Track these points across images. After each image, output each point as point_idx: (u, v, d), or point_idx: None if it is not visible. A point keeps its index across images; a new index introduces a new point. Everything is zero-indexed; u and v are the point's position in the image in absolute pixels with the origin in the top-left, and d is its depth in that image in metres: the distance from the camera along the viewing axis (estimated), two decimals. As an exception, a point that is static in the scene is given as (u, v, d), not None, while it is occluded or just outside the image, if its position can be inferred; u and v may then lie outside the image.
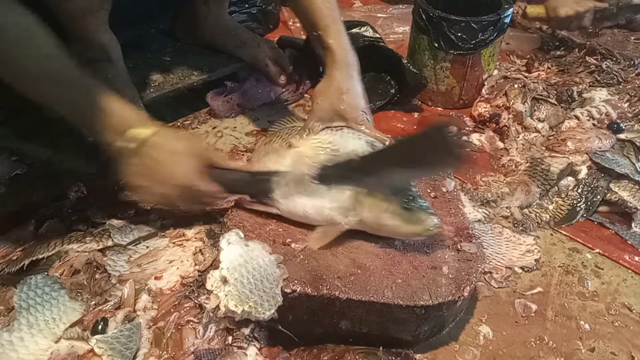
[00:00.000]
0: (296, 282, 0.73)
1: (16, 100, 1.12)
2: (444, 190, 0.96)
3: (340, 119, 0.94)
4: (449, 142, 0.71)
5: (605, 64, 1.43)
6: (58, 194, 1.00)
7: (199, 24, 1.29)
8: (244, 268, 0.70)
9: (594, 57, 1.48)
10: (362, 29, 1.46)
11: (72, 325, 0.68)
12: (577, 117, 1.23)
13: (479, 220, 1.03)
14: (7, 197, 1.01)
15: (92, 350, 0.65)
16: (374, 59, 1.38)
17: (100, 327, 0.67)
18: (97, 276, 0.76)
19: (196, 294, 0.73)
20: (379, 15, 1.80)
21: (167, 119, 1.26)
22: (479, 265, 0.80)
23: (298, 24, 1.72)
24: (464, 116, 1.37)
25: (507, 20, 1.30)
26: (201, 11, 1.28)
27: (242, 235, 0.75)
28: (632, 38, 1.62)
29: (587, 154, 1.12)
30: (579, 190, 1.07)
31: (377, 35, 1.44)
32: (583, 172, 1.10)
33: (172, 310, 0.70)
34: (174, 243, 0.83)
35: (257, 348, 0.69)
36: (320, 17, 0.98)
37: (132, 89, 1.12)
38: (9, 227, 0.93)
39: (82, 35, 1.04)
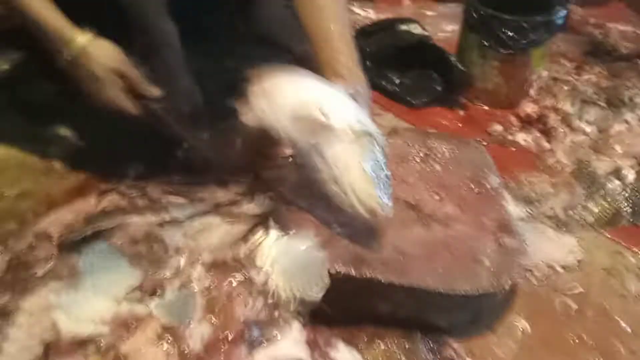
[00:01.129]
0: (340, 263, 0.76)
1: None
2: (488, 186, 0.97)
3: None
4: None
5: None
6: (117, 172, 1.06)
7: (253, 15, 1.33)
8: (286, 257, 0.74)
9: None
10: (411, 26, 1.48)
11: (132, 290, 0.74)
12: (626, 122, 1.22)
13: (522, 219, 1.03)
14: (68, 173, 1.08)
15: (150, 313, 0.70)
16: (421, 56, 1.40)
17: (158, 293, 0.72)
18: (155, 247, 0.82)
19: (247, 269, 0.77)
20: (427, 12, 1.81)
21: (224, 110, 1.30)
22: (521, 260, 0.82)
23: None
24: (511, 116, 1.37)
25: (560, 21, 1.29)
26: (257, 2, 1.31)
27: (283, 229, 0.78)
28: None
29: (635, 158, 1.11)
30: (626, 194, 1.07)
31: (426, 33, 1.46)
32: (630, 176, 1.09)
33: (224, 281, 0.75)
34: (226, 221, 0.87)
35: (300, 323, 0.73)
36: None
37: (189, 80, 1.16)
38: (71, 201, 0.99)
39: (142, 21, 1.09)
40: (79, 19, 0.89)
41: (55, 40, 0.87)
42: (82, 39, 0.87)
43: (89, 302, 0.71)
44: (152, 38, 1.11)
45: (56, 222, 0.90)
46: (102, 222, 0.87)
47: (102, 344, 0.66)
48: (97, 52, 0.89)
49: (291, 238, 0.77)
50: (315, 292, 0.75)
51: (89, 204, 0.97)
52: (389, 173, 0.79)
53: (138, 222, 0.86)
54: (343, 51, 0.89)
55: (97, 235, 0.87)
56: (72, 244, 0.87)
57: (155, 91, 0.94)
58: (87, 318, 0.69)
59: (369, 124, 0.80)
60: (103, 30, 1.00)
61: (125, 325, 0.68)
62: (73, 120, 1.20)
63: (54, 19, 0.87)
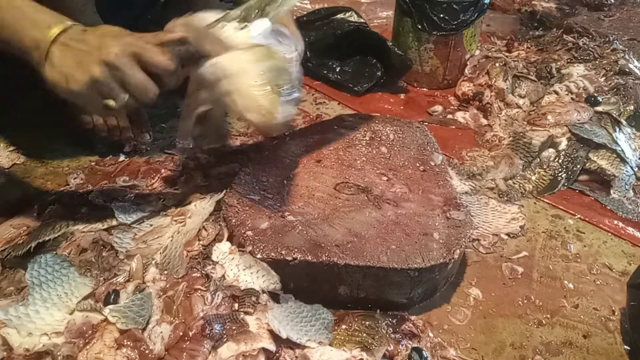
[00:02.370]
0: (296, 250, 0.77)
1: (10, 91, 1.15)
2: (432, 164, 1.00)
3: None
4: None
5: (582, 41, 1.48)
6: (58, 182, 1.03)
7: (189, 10, 1.31)
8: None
9: (571, 35, 1.54)
10: (347, 14, 1.50)
11: (84, 298, 0.72)
12: (556, 92, 1.28)
13: (466, 193, 1.07)
14: (7, 186, 1.04)
15: (105, 320, 0.68)
16: (360, 43, 1.42)
17: (112, 298, 0.70)
18: (104, 254, 0.80)
19: (202, 265, 0.77)
20: (362, 0, 1.84)
21: (159, 107, 1.28)
22: (468, 231, 0.85)
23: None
24: (449, 95, 1.42)
25: (487, 0, 1.35)
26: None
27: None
28: (607, 19, 1.69)
29: (566, 126, 1.17)
30: (560, 161, 1.13)
31: (362, 20, 1.48)
32: (563, 143, 1.15)
33: (180, 280, 0.74)
34: (175, 221, 0.86)
35: (262, 313, 0.73)
36: None
37: None
38: (11, 215, 0.95)
39: (67, 16, 1.05)
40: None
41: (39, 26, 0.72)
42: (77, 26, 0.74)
43: (40, 316, 0.69)
44: None
45: (-3, 238, 0.86)
46: (46, 233, 0.84)
47: (58, 355, 0.64)
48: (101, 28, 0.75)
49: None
50: (273, 283, 0.76)
51: (30, 217, 0.94)
52: (291, 88, 0.78)
53: (84, 230, 0.83)
54: None
55: (42, 248, 0.84)
56: (16, 259, 0.83)
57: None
58: (40, 331, 0.67)
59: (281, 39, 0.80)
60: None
61: (81, 334, 0.66)
62: (8, 130, 1.16)
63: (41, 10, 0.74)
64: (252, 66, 0.76)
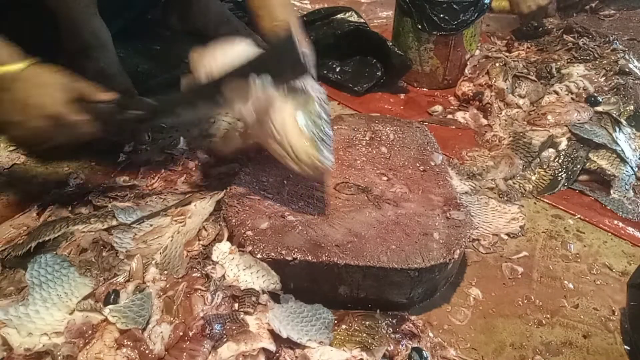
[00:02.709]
0: (296, 250, 0.77)
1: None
2: (433, 164, 1.00)
3: None
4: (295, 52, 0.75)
5: (582, 41, 1.48)
6: (57, 182, 1.03)
7: (190, 11, 1.32)
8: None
9: (571, 35, 1.54)
10: (347, 14, 1.50)
11: (84, 298, 0.72)
12: (556, 92, 1.28)
13: (466, 193, 1.07)
14: (7, 186, 1.03)
15: (105, 320, 0.68)
16: (360, 43, 1.42)
17: (112, 298, 0.70)
18: (104, 254, 0.79)
19: (202, 265, 0.77)
20: (362, 0, 1.84)
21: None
22: (468, 231, 0.85)
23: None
24: (449, 95, 1.42)
25: (487, 1, 1.35)
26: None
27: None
28: (607, 19, 1.69)
29: (566, 126, 1.17)
30: (560, 161, 1.13)
31: (362, 20, 1.48)
32: (563, 143, 1.15)
33: (180, 280, 0.74)
34: (175, 221, 0.86)
35: (262, 313, 0.73)
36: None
37: (125, 77, 1.14)
38: (11, 215, 0.95)
39: (71, 20, 1.05)
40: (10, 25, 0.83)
41: None
42: (19, 65, 0.77)
43: (40, 316, 0.69)
44: (86, 39, 1.08)
45: (-3, 239, 0.86)
46: (46, 233, 0.84)
47: (58, 355, 0.64)
48: (37, 73, 0.78)
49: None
50: (273, 283, 0.76)
51: (30, 217, 0.94)
52: (329, 131, 0.80)
53: (84, 230, 0.83)
54: (283, 17, 0.91)
55: (42, 248, 0.84)
56: (16, 259, 0.83)
57: (110, 95, 0.83)
58: (40, 331, 0.67)
59: (305, 84, 0.81)
60: (35, 34, 0.96)
61: (81, 334, 0.66)
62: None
63: None
64: (292, 116, 0.78)
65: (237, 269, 0.76)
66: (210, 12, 1.33)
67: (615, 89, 1.28)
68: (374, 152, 1.02)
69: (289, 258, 0.76)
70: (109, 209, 0.88)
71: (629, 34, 1.61)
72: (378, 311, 0.81)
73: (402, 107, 1.38)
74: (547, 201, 1.08)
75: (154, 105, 0.82)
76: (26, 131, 0.77)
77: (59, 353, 0.64)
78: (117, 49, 1.16)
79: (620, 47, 1.46)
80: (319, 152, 0.76)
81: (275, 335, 0.70)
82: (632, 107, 1.23)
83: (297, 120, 0.77)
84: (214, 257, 0.78)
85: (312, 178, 0.80)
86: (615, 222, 1.03)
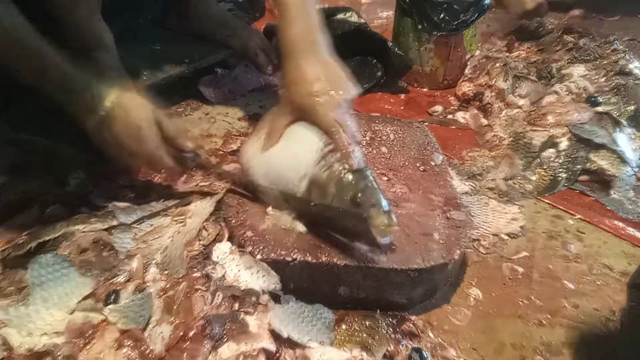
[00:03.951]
0: (296, 250, 0.77)
1: (10, 90, 1.15)
2: (433, 164, 1.00)
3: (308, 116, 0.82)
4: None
5: (582, 41, 1.48)
6: (58, 181, 1.02)
7: (189, 13, 1.32)
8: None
9: (571, 35, 1.54)
10: (347, 14, 1.50)
11: (84, 298, 0.71)
12: (556, 93, 1.28)
13: (466, 193, 1.07)
14: (7, 186, 1.03)
15: (106, 320, 0.68)
16: (360, 43, 1.42)
17: (112, 298, 0.70)
18: (104, 254, 0.79)
19: (202, 265, 0.77)
20: (362, 1, 1.84)
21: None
22: (468, 231, 0.85)
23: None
24: (449, 96, 1.42)
25: (487, 1, 1.35)
26: (191, 0, 1.30)
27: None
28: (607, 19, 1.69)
29: (567, 126, 1.17)
30: (560, 161, 1.13)
31: (362, 20, 1.48)
32: (563, 143, 1.15)
33: (180, 280, 0.74)
34: (176, 221, 0.86)
35: (262, 313, 0.73)
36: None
37: (126, 78, 1.14)
38: (12, 215, 0.95)
39: (75, 24, 1.06)
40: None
41: (79, 97, 0.79)
42: (113, 92, 0.80)
43: (40, 316, 0.69)
44: (88, 40, 1.08)
45: (-3, 238, 0.86)
46: (46, 233, 0.84)
47: (58, 355, 0.64)
48: (132, 103, 0.81)
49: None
50: (273, 284, 0.76)
51: (30, 216, 0.93)
52: (385, 202, 0.77)
53: (84, 230, 0.83)
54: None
55: (42, 248, 0.84)
56: (16, 259, 0.83)
57: (190, 144, 0.87)
58: (40, 331, 0.67)
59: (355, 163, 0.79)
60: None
61: (82, 334, 0.66)
62: (8, 130, 1.15)
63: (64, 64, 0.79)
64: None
65: (237, 269, 0.76)
66: (209, 14, 1.33)
67: (615, 90, 1.28)
68: (374, 152, 1.02)
69: (289, 259, 0.76)
70: (109, 209, 0.88)
71: (629, 34, 1.61)
72: (378, 311, 0.81)
73: (402, 107, 1.38)
74: (547, 201, 1.08)
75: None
76: (131, 161, 0.86)
77: (59, 353, 0.64)
78: (118, 49, 1.16)
79: (621, 47, 1.46)
80: (388, 219, 0.74)
81: (275, 336, 0.70)
82: (632, 108, 1.22)
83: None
84: (214, 258, 0.77)
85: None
86: (616, 222, 1.03)
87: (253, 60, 1.34)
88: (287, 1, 0.84)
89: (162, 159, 0.83)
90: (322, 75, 0.80)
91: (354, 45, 1.42)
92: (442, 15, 1.31)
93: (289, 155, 0.81)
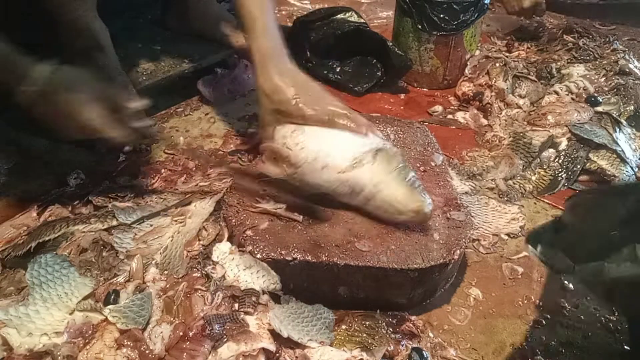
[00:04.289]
0: (296, 250, 0.77)
1: (10, 90, 1.15)
2: (433, 164, 1.00)
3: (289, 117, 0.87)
4: None
5: (582, 41, 1.48)
6: (58, 181, 1.03)
7: (188, 13, 1.32)
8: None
9: (571, 35, 1.54)
10: (347, 14, 1.50)
11: (84, 298, 0.72)
12: (556, 92, 1.28)
13: (466, 193, 1.07)
14: (6, 186, 1.03)
15: (106, 320, 0.68)
16: (360, 43, 1.42)
17: (112, 298, 0.70)
18: (104, 254, 0.80)
19: (202, 265, 0.77)
20: (362, 0, 1.84)
21: (160, 107, 1.29)
22: (468, 231, 0.85)
23: (284, 12, 1.75)
24: (449, 96, 1.42)
25: (487, 1, 1.35)
26: (191, 0, 1.30)
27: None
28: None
29: (566, 126, 1.17)
30: (560, 161, 1.13)
31: (362, 20, 1.48)
32: (563, 143, 1.15)
33: (180, 280, 0.74)
34: (175, 221, 0.86)
35: (262, 313, 0.73)
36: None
37: (124, 77, 1.14)
38: (11, 215, 0.95)
39: (72, 22, 1.05)
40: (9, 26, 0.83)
41: (12, 72, 0.79)
42: (46, 68, 0.80)
43: (40, 316, 0.69)
44: (86, 40, 1.08)
45: (-3, 239, 0.86)
46: (46, 233, 0.84)
47: (58, 355, 0.64)
48: (67, 77, 0.81)
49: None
50: (273, 283, 0.76)
51: (30, 217, 0.94)
52: (414, 173, 0.83)
53: (84, 230, 0.83)
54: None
55: (42, 248, 0.84)
56: (16, 259, 0.83)
57: (143, 102, 0.86)
58: (40, 331, 0.67)
59: (375, 142, 0.84)
60: (34, 36, 0.97)
61: (82, 334, 0.67)
62: (8, 130, 1.15)
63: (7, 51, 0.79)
64: (384, 174, 0.81)
65: (237, 269, 0.76)
66: (209, 14, 1.33)
67: (615, 89, 1.28)
68: (374, 152, 1.02)
69: (289, 258, 0.76)
70: (109, 209, 0.89)
71: (629, 34, 1.61)
72: (378, 311, 0.81)
73: (402, 107, 1.38)
74: (547, 201, 1.08)
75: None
76: (73, 133, 0.83)
77: (59, 353, 0.65)
78: (117, 49, 1.16)
79: (621, 47, 1.47)
80: (423, 198, 0.80)
81: (275, 336, 0.71)
82: (632, 108, 1.23)
83: (391, 175, 0.81)
84: (214, 257, 0.78)
85: (418, 222, 0.82)
86: (616, 222, 1.03)
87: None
88: (253, 16, 0.90)
89: (105, 130, 0.81)
90: (294, 82, 0.88)
91: (354, 45, 1.43)
92: (442, 15, 1.31)
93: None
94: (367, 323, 0.79)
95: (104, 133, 0.81)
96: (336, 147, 0.83)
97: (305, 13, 1.56)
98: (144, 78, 1.22)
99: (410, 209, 0.80)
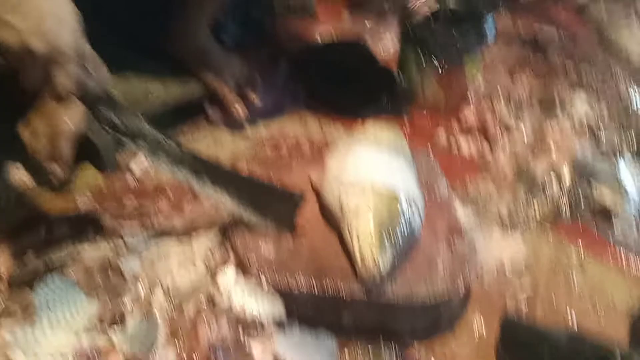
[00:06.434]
0: (302, 279, 0.77)
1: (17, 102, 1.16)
2: (438, 193, 1.01)
3: None
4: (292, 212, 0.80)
5: (585, 70, 1.50)
6: (65, 202, 1.03)
7: (174, 41, 1.26)
8: None
9: (574, 64, 1.56)
10: (355, 45, 1.53)
11: (91, 321, 0.72)
12: (559, 123, 1.30)
13: (469, 222, 1.08)
14: (14, 206, 1.04)
15: (112, 344, 0.68)
16: (366, 73, 1.45)
17: (118, 322, 0.71)
18: (111, 276, 0.80)
19: (208, 290, 0.77)
20: (368, 27, 1.86)
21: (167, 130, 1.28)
22: (472, 262, 0.86)
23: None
24: (452, 123, 1.43)
25: (491, 30, 1.37)
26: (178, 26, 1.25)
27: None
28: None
29: (569, 157, 1.18)
30: (563, 193, 1.13)
31: (369, 52, 1.51)
32: (567, 173, 1.16)
33: (186, 305, 0.74)
34: (182, 244, 0.87)
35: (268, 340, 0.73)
36: None
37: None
38: (18, 235, 0.95)
39: None
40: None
41: None
42: None
43: (46, 338, 0.69)
44: None
45: (4, 259, 0.87)
46: (53, 254, 0.84)
47: (64, 379, 0.64)
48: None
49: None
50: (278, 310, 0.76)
51: (37, 237, 0.94)
52: (402, 240, 0.79)
53: (91, 252, 0.84)
54: None
55: (48, 269, 0.84)
56: (23, 279, 0.83)
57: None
58: (46, 354, 0.67)
59: (402, 189, 0.85)
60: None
61: (87, 357, 0.67)
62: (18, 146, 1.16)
63: None
64: (370, 211, 0.79)
65: (242, 295, 0.77)
66: (191, 47, 1.27)
67: (618, 121, 1.30)
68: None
69: (294, 286, 0.77)
70: (117, 230, 0.89)
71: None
72: (381, 338, 0.81)
73: (405, 135, 1.39)
74: (551, 232, 1.08)
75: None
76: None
77: (65, 377, 0.65)
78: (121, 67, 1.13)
79: (623, 76, 1.48)
80: (382, 252, 0.74)
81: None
82: (635, 140, 1.24)
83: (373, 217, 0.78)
84: (220, 282, 0.78)
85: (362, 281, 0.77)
86: (619, 256, 1.04)
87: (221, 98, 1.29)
88: None
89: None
90: None
91: (359, 74, 1.45)
92: (445, 46, 1.33)
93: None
94: (371, 350, 0.79)
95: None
96: None
97: (314, 45, 1.58)
98: (150, 98, 1.21)
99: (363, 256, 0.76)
